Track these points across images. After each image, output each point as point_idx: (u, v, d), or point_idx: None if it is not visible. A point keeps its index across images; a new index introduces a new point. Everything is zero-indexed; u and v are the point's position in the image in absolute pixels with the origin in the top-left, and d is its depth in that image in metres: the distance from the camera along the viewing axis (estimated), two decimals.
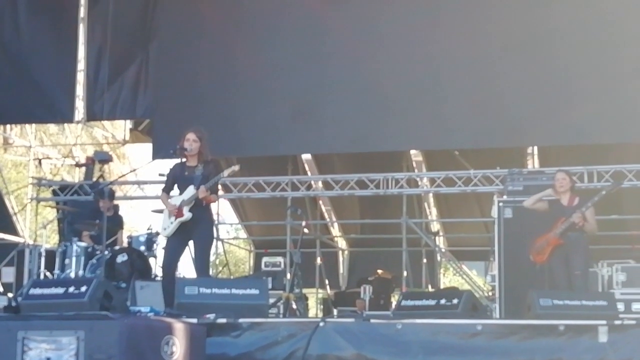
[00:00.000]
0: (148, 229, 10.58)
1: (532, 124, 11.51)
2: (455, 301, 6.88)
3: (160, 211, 9.96)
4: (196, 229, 8.21)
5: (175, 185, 8.39)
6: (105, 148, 16.77)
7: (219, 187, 8.97)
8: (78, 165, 14.54)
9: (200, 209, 8.21)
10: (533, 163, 14.06)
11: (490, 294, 11.15)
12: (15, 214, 14.68)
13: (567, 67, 11.32)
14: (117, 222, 10.82)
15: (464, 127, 11.73)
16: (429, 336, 6.47)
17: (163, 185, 8.63)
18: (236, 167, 8.20)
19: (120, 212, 11.32)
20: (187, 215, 8.17)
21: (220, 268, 15.32)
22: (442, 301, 6.98)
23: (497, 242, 9.69)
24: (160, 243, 10.27)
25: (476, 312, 7.02)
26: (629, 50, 11.11)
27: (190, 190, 8.16)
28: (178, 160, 8.54)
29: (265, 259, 13.59)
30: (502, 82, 11.56)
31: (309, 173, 15.27)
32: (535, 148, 13.95)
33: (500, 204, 9.75)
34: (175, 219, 8.21)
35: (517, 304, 8.58)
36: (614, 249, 11.53)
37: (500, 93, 11.57)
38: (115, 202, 11.26)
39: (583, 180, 11.28)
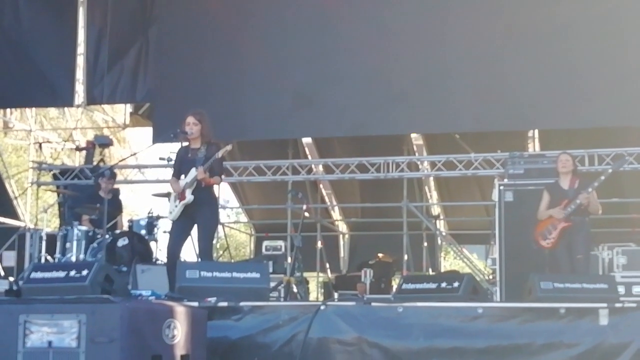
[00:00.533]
0: (149, 213, 10.59)
1: (533, 107, 11.50)
2: (456, 284, 6.89)
3: (162, 195, 10.00)
4: (199, 211, 8.21)
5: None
6: (106, 132, 16.76)
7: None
8: (78, 149, 14.54)
9: (203, 191, 8.21)
10: (534, 146, 14.07)
11: (490, 277, 11.16)
12: (15, 198, 14.71)
13: (568, 50, 11.30)
14: (116, 206, 10.82)
15: (465, 111, 11.72)
16: (429, 319, 6.48)
17: (163, 169, 8.64)
18: (229, 147, 8.18)
19: (121, 196, 11.33)
20: (189, 197, 8.17)
21: (221, 252, 15.34)
22: (443, 284, 6.98)
23: (497, 226, 9.68)
24: (161, 227, 10.29)
25: (477, 296, 7.02)
26: (630, 34, 11.08)
27: (192, 172, 8.17)
28: (179, 144, 8.55)
29: (266, 243, 13.62)
30: (503, 65, 11.54)
31: (309, 157, 15.26)
32: (536, 131, 13.95)
33: (501, 187, 9.73)
34: (179, 202, 8.22)
35: (517, 288, 8.55)
36: (615, 232, 11.55)
37: (501, 76, 11.56)
38: (116, 185, 11.25)
39: (584, 164, 11.30)
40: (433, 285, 7.07)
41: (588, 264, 8.76)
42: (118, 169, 12.36)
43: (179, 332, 5.81)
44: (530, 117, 11.75)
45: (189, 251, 9.21)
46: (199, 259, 8.28)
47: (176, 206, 8.28)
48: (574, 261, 8.59)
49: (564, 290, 6.79)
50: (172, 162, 8.68)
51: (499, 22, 11.60)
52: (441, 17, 11.78)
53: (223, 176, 8.75)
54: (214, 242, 13.78)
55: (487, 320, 6.41)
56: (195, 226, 8.35)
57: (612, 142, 11.70)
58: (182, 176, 8.31)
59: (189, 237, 8.53)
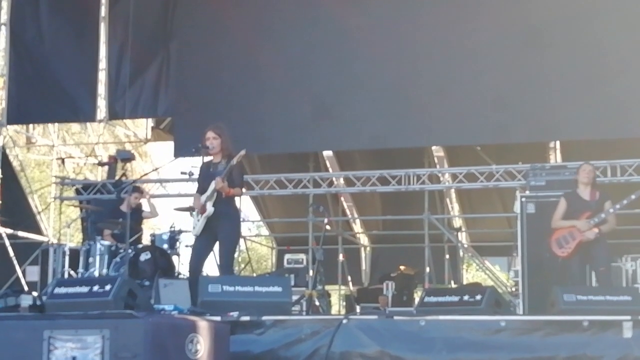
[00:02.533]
0: (171, 227, 10.62)
1: (554, 118, 11.47)
2: (478, 297, 6.86)
3: (184, 209, 10.04)
4: (221, 225, 8.21)
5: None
6: (128, 146, 16.84)
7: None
8: (101, 164, 14.63)
9: (224, 203, 8.20)
10: (555, 157, 14.00)
11: (513, 289, 11.11)
12: (39, 213, 14.78)
13: (589, 60, 11.27)
14: (138, 221, 10.87)
15: (486, 122, 11.71)
16: (452, 332, 6.45)
17: (185, 184, 8.67)
18: (242, 152, 8.16)
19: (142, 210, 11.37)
20: (209, 210, 8.17)
21: (243, 265, 15.35)
22: (466, 297, 6.95)
23: (520, 238, 9.64)
24: (183, 241, 10.32)
25: (500, 308, 6.99)
26: None
27: (212, 185, 8.18)
28: (200, 158, 8.58)
29: (287, 256, 13.63)
30: (524, 76, 11.53)
31: (330, 170, 15.27)
32: (558, 142, 13.89)
33: (523, 199, 9.69)
34: (201, 215, 8.24)
35: (540, 300, 8.54)
36: (638, 243, 11.46)
37: (522, 88, 11.54)
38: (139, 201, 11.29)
39: (606, 174, 11.26)
40: (455, 298, 7.04)
41: (610, 276, 8.71)
42: (140, 184, 12.40)
43: (201, 347, 5.82)
44: (552, 128, 11.71)
45: (211, 265, 9.24)
46: (221, 273, 8.28)
47: (198, 220, 8.29)
48: (597, 273, 8.54)
49: (588, 302, 6.75)
50: (194, 177, 8.71)
51: (519, 32, 11.59)
52: (461, 29, 11.78)
53: (244, 189, 8.76)
54: (236, 255, 13.84)
55: (510, 333, 6.37)
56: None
57: (634, 153, 11.64)
58: (205, 191, 8.33)
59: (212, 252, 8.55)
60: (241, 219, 9.28)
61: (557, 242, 8.67)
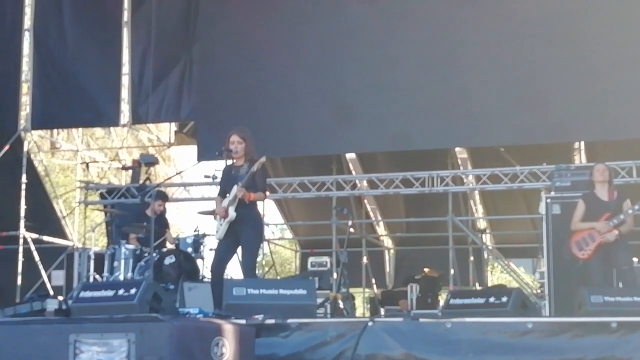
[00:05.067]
0: (195, 231, 10.64)
1: (578, 119, 11.40)
2: (504, 299, 6.83)
3: (207, 213, 10.05)
4: (243, 229, 8.21)
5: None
6: (151, 151, 16.89)
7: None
8: (124, 168, 14.69)
9: (246, 208, 8.19)
10: (580, 158, 13.92)
11: (538, 291, 11.04)
12: (63, 217, 14.84)
13: (612, 60, 11.20)
14: (163, 224, 10.89)
15: (509, 124, 11.66)
16: (478, 335, 6.42)
17: (208, 187, 8.67)
18: (263, 159, 8.16)
19: (167, 215, 11.39)
20: (231, 214, 8.17)
21: (267, 269, 15.36)
22: (491, 299, 6.93)
23: (545, 239, 9.58)
24: (207, 244, 10.33)
25: (526, 310, 6.96)
26: None
27: (234, 190, 8.18)
28: (224, 162, 8.58)
29: (311, 259, 13.60)
30: (546, 77, 11.47)
31: (353, 172, 15.25)
32: (582, 143, 13.80)
33: (548, 200, 9.63)
34: (224, 220, 8.24)
35: (566, 301, 8.48)
36: None
37: (544, 88, 11.48)
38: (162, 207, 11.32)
39: (632, 175, 11.18)
40: (481, 300, 7.02)
41: (634, 274, 8.64)
42: (164, 188, 12.43)
43: (227, 350, 5.82)
44: (576, 129, 11.65)
45: (236, 269, 9.23)
46: (244, 277, 8.28)
47: (221, 225, 8.30)
48: (619, 272, 8.48)
49: (615, 304, 6.71)
50: (217, 180, 8.71)
51: (541, 33, 11.53)
52: (484, 29, 11.74)
53: (267, 192, 8.75)
54: (260, 259, 13.85)
55: (537, 335, 6.34)
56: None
57: None
58: (227, 195, 8.34)
59: (235, 255, 8.55)
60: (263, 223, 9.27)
61: (577, 244, 8.62)
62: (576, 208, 8.75)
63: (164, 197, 11.26)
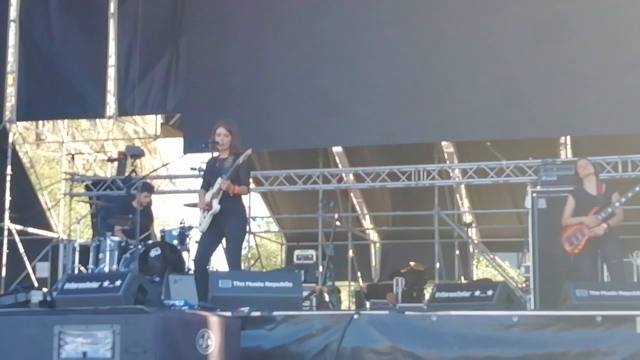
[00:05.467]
0: (181, 223, 10.62)
1: (564, 114, 11.42)
2: (490, 292, 6.84)
3: (193, 205, 10.03)
4: (227, 222, 8.20)
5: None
6: (137, 143, 16.85)
7: (250, 179, 8.96)
8: (110, 160, 14.63)
9: (230, 200, 8.18)
10: (566, 153, 13.95)
11: (523, 285, 11.07)
12: (49, 209, 14.79)
13: (599, 56, 11.21)
14: (148, 217, 10.86)
15: (496, 118, 11.66)
16: (464, 328, 6.43)
17: (194, 180, 8.64)
18: (248, 151, 8.15)
19: (152, 207, 11.36)
20: (215, 207, 8.15)
21: (252, 262, 15.34)
22: (477, 293, 6.94)
23: (531, 233, 9.61)
24: (193, 237, 10.31)
25: (511, 304, 6.97)
26: None
27: (218, 182, 8.16)
28: (210, 155, 8.55)
29: (297, 252, 13.58)
30: (532, 72, 11.47)
31: (340, 165, 15.25)
32: (568, 138, 13.84)
33: (534, 194, 9.66)
34: (207, 213, 8.22)
35: (551, 296, 8.53)
36: None
37: (531, 83, 11.49)
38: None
39: (617, 170, 11.21)
40: (467, 294, 7.03)
41: (623, 269, 8.68)
42: (150, 180, 12.40)
43: (212, 342, 5.81)
44: (562, 124, 11.67)
45: (221, 261, 9.22)
46: (228, 269, 8.27)
47: (204, 217, 8.28)
48: (609, 266, 8.52)
49: (600, 297, 6.74)
50: (203, 173, 8.69)
51: (529, 28, 11.54)
52: (471, 24, 11.73)
53: (252, 186, 8.73)
54: (245, 252, 13.83)
55: (522, 328, 6.35)
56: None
57: None
58: (211, 187, 8.31)
59: (219, 248, 8.54)
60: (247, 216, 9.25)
61: (567, 239, 8.65)
62: (566, 203, 8.79)
63: (150, 189, 11.23)
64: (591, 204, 8.62)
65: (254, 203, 15.24)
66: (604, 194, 8.67)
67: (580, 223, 8.59)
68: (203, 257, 8.38)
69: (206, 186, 8.37)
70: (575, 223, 8.63)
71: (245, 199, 8.67)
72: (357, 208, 16.66)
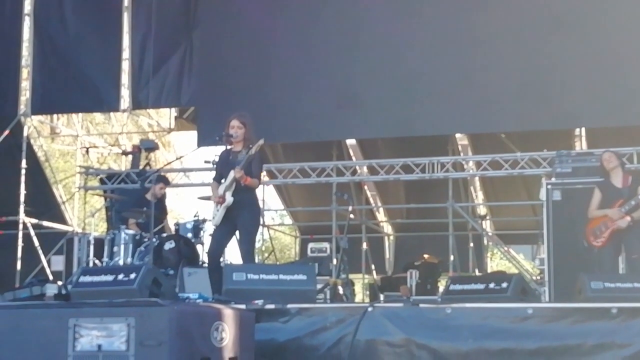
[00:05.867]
0: (195, 216, 10.63)
1: (579, 105, 11.37)
2: (504, 285, 6.82)
3: (207, 198, 10.04)
4: (240, 214, 8.20)
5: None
6: (151, 136, 16.89)
7: (264, 172, 8.95)
8: (124, 153, 14.67)
9: (243, 193, 8.17)
10: (581, 145, 13.89)
11: (538, 277, 11.04)
12: (63, 202, 14.84)
13: (614, 46, 11.15)
14: (162, 210, 10.89)
15: (510, 110, 11.62)
16: (479, 320, 6.41)
17: (208, 173, 8.64)
18: (261, 141, 8.14)
19: (167, 200, 11.39)
20: (228, 199, 8.15)
21: (267, 254, 15.36)
22: (492, 285, 6.92)
23: (546, 225, 9.57)
24: (208, 230, 10.32)
25: (526, 296, 6.95)
26: None
27: (231, 174, 8.16)
28: (224, 148, 8.55)
29: (311, 245, 13.58)
30: (548, 63, 11.42)
31: (353, 158, 15.24)
32: (583, 129, 13.78)
33: (549, 186, 9.62)
34: (220, 205, 8.22)
35: (566, 288, 8.49)
36: None
37: (546, 75, 11.44)
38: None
39: (632, 161, 11.13)
40: (481, 286, 7.01)
41: None
42: (163, 173, 12.43)
43: (227, 335, 5.81)
44: (577, 115, 11.62)
45: (235, 254, 9.23)
46: (242, 262, 8.27)
47: (218, 210, 8.27)
48: (629, 261, 8.48)
49: (615, 290, 6.71)
50: (215, 165, 8.69)
51: (543, 18, 11.49)
52: (484, 14, 11.69)
53: (266, 178, 8.73)
54: (259, 244, 13.85)
55: (537, 320, 6.33)
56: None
57: None
58: (223, 180, 8.31)
59: (232, 240, 8.55)
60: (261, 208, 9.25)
61: (592, 232, 8.67)
62: (593, 196, 8.78)
63: (165, 181, 11.26)
64: (617, 197, 8.61)
65: (267, 196, 15.26)
66: (630, 186, 8.65)
67: (604, 216, 8.57)
68: (217, 250, 8.39)
69: (219, 178, 8.38)
70: (600, 216, 8.61)
71: (258, 191, 8.66)
72: (371, 200, 16.66)
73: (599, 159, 8.97)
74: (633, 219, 8.46)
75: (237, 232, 8.37)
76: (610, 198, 8.62)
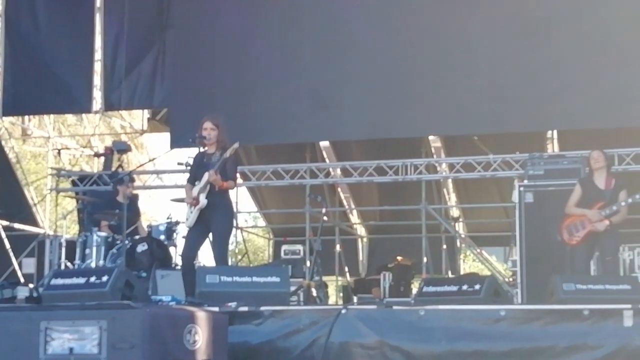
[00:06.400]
0: (168, 218, 10.58)
1: (552, 107, 11.42)
2: (477, 287, 6.86)
3: (180, 200, 10.00)
4: (214, 216, 8.20)
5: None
6: (124, 138, 16.79)
7: (238, 174, 8.94)
8: (97, 155, 14.58)
9: (217, 195, 8.18)
10: (553, 147, 13.97)
11: (510, 279, 11.09)
12: (35, 204, 14.73)
13: (586, 49, 11.22)
14: (135, 212, 10.82)
15: (483, 112, 11.66)
16: (452, 322, 6.44)
17: (181, 175, 8.63)
18: (236, 145, 8.14)
19: (139, 202, 11.33)
20: (202, 201, 8.16)
21: (240, 257, 15.32)
22: (465, 287, 6.95)
23: (518, 227, 9.62)
24: (180, 232, 10.28)
25: (498, 298, 6.99)
26: None
27: (205, 176, 8.15)
28: (197, 150, 8.54)
29: (284, 247, 13.55)
30: (520, 66, 11.47)
31: (327, 160, 15.24)
32: (555, 132, 13.86)
33: (521, 188, 9.66)
34: (194, 207, 8.21)
35: (538, 290, 8.54)
36: (635, 233, 11.44)
37: (519, 77, 11.49)
38: (134, 191, 11.26)
39: None
40: (454, 288, 7.03)
41: (617, 267, 8.71)
42: (136, 175, 12.36)
43: (200, 337, 5.80)
44: (549, 118, 11.67)
45: (208, 256, 9.21)
46: (215, 265, 8.26)
47: (191, 212, 8.28)
48: (603, 263, 8.52)
49: (587, 291, 6.75)
50: (190, 168, 8.68)
51: (516, 22, 11.53)
52: (457, 17, 11.72)
53: (239, 181, 8.73)
54: (233, 247, 13.82)
55: (509, 322, 6.37)
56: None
57: (631, 142, 11.61)
58: (197, 182, 8.30)
59: (206, 242, 8.53)
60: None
61: (567, 229, 8.65)
62: (573, 192, 8.77)
63: (132, 179, 11.12)
64: (598, 198, 8.60)
65: (241, 198, 15.21)
66: (612, 189, 8.63)
67: (583, 215, 8.59)
68: (190, 252, 8.37)
69: (192, 181, 8.37)
70: (578, 214, 8.64)
71: (232, 193, 8.66)
72: (345, 203, 16.66)
73: (588, 158, 8.94)
74: (611, 223, 8.49)
75: (211, 234, 8.36)
76: (591, 197, 8.63)
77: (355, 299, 12.65)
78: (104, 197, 11.51)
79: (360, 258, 16.78)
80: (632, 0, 11.11)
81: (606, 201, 8.55)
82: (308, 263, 12.13)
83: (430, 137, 14.41)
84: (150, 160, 16.51)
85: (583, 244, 8.55)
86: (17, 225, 13.62)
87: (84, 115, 16.43)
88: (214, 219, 8.21)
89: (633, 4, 11.10)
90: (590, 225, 8.50)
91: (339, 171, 14.26)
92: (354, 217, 17.10)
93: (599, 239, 8.52)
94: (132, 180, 11.02)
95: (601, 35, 11.15)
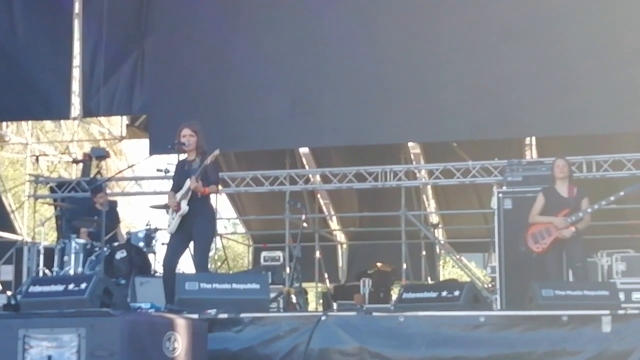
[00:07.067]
0: (147, 225, 10.56)
1: (530, 114, 11.49)
2: (456, 293, 6.87)
3: (160, 207, 9.98)
4: (195, 223, 8.19)
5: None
6: (102, 144, 16.73)
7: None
8: (75, 161, 14.51)
9: (198, 201, 8.18)
10: (531, 154, 14.05)
11: (490, 285, 11.13)
12: (12, 211, 14.66)
13: (564, 56, 11.30)
14: (114, 219, 10.78)
15: (462, 119, 11.70)
16: (431, 328, 6.45)
17: (160, 181, 8.62)
18: (216, 152, 8.16)
19: (118, 209, 11.28)
20: (184, 208, 8.15)
21: (219, 263, 15.28)
22: (444, 293, 6.96)
23: (497, 234, 9.65)
24: (159, 239, 10.26)
25: (478, 304, 7.00)
26: (627, 39, 11.07)
27: (187, 183, 8.15)
28: (176, 155, 8.54)
29: (264, 254, 13.55)
30: (499, 73, 11.53)
31: (306, 166, 15.24)
32: (534, 138, 13.94)
33: (500, 195, 9.70)
34: (176, 214, 8.20)
35: (517, 296, 8.57)
36: (614, 239, 11.52)
37: (497, 84, 11.55)
38: (113, 198, 11.22)
39: (582, 170, 11.29)
40: (434, 294, 7.05)
41: (587, 272, 8.76)
42: (115, 182, 12.32)
43: (179, 345, 5.78)
44: (528, 125, 11.74)
45: (188, 263, 9.19)
46: (195, 271, 8.24)
47: (173, 218, 8.27)
48: (573, 269, 8.57)
49: (566, 297, 6.78)
50: (170, 174, 8.69)
51: (495, 29, 11.58)
52: (436, 24, 11.77)
53: (220, 186, 8.72)
54: (212, 253, 13.77)
55: (489, 328, 6.39)
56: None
57: (609, 148, 11.70)
58: (180, 189, 8.29)
59: (187, 250, 8.51)
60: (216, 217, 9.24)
61: (533, 237, 8.69)
62: (535, 201, 8.83)
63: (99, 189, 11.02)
64: (562, 206, 8.67)
65: (220, 204, 15.19)
66: (575, 197, 8.71)
67: (548, 222, 8.64)
68: (172, 259, 8.34)
69: (176, 189, 8.37)
70: (543, 222, 8.68)
71: (212, 200, 8.65)
72: (324, 209, 16.67)
73: (552, 165, 8.99)
74: (577, 230, 8.56)
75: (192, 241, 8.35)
76: (555, 205, 8.69)
77: (335, 306, 12.65)
78: (83, 204, 11.47)
79: (340, 264, 16.78)
80: (608, 7, 11.17)
81: (571, 208, 8.61)
82: (288, 269, 12.11)
83: (410, 144, 14.44)
84: (129, 167, 16.45)
85: (551, 252, 8.60)
86: None
87: (62, 121, 16.39)
88: (196, 225, 8.20)
89: (609, 11, 11.17)
90: (557, 232, 8.55)
91: (318, 177, 14.27)
92: (334, 224, 17.11)
93: (565, 246, 8.58)
94: (103, 188, 10.95)
95: (578, 43, 11.22)
